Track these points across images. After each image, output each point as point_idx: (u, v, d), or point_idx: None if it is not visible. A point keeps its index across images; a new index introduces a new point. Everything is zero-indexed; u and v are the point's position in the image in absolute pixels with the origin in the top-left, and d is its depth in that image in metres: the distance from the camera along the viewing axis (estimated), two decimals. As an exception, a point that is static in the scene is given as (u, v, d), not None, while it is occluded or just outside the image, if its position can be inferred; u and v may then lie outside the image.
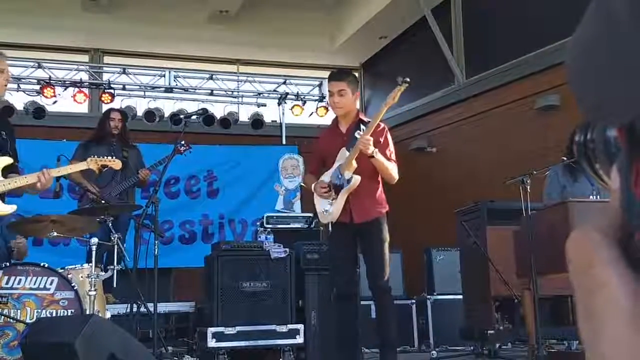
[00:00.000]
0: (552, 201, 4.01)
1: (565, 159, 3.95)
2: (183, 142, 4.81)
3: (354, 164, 3.59)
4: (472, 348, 5.12)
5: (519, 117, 7.20)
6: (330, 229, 3.96)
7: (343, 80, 3.71)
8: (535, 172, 3.80)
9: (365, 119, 3.82)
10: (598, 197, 3.86)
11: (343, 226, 3.72)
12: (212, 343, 4.50)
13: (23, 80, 7.27)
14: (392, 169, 3.71)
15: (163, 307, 5.17)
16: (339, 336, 3.85)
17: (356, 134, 3.65)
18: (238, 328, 4.56)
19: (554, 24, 6.90)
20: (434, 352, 5.13)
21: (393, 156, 3.77)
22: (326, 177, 3.78)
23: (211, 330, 4.52)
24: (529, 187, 3.68)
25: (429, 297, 6.16)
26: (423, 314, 6.13)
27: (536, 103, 6.96)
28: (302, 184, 6.97)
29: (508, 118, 7.35)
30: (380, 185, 3.78)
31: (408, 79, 3.40)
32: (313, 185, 3.80)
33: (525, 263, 3.69)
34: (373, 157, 3.56)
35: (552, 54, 6.89)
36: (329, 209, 3.69)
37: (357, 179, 3.57)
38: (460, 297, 5.52)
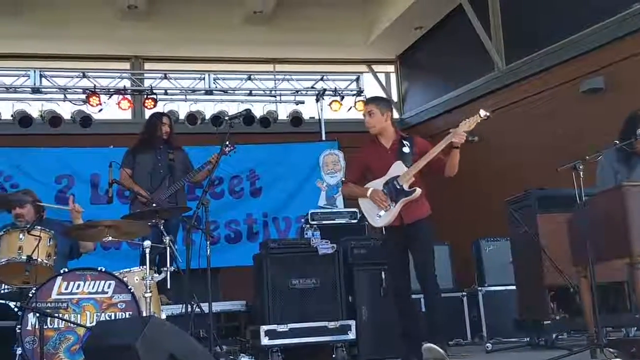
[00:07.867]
0: (606, 187, 3.90)
1: (617, 142, 3.83)
2: (228, 143, 4.84)
3: (412, 177, 4.00)
4: (527, 339, 5.03)
5: (563, 102, 7.03)
6: (384, 232, 4.23)
7: (370, 103, 4.32)
8: (588, 157, 3.70)
9: (405, 135, 4.28)
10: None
11: (395, 230, 4.08)
12: (265, 341, 4.56)
13: (69, 90, 7.43)
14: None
15: (214, 307, 5.22)
16: (404, 331, 4.11)
17: (404, 149, 4.12)
18: (290, 325, 4.60)
19: (596, 4, 6.71)
20: (488, 344, 5.05)
21: None
22: (377, 186, 4.08)
23: (264, 328, 4.57)
24: (582, 172, 3.60)
25: (480, 288, 6.09)
26: (474, 306, 6.07)
27: (580, 86, 6.78)
28: (342, 180, 6.96)
29: (552, 103, 7.18)
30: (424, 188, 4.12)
31: (489, 115, 3.94)
32: (369, 192, 4.10)
33: (581, 250, 3.60)
34: (458, 148, 3.99)
35: (595, 35, 6.70)
36: (383, 216, 4.05)
37: (418, 191, 4.01)
38: (512, 287, 5.43)
